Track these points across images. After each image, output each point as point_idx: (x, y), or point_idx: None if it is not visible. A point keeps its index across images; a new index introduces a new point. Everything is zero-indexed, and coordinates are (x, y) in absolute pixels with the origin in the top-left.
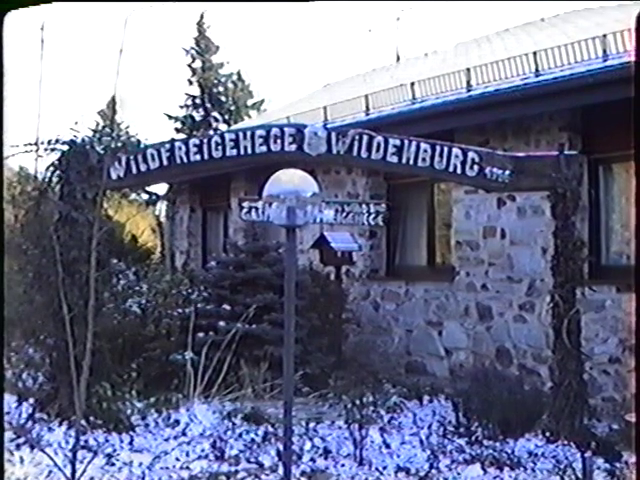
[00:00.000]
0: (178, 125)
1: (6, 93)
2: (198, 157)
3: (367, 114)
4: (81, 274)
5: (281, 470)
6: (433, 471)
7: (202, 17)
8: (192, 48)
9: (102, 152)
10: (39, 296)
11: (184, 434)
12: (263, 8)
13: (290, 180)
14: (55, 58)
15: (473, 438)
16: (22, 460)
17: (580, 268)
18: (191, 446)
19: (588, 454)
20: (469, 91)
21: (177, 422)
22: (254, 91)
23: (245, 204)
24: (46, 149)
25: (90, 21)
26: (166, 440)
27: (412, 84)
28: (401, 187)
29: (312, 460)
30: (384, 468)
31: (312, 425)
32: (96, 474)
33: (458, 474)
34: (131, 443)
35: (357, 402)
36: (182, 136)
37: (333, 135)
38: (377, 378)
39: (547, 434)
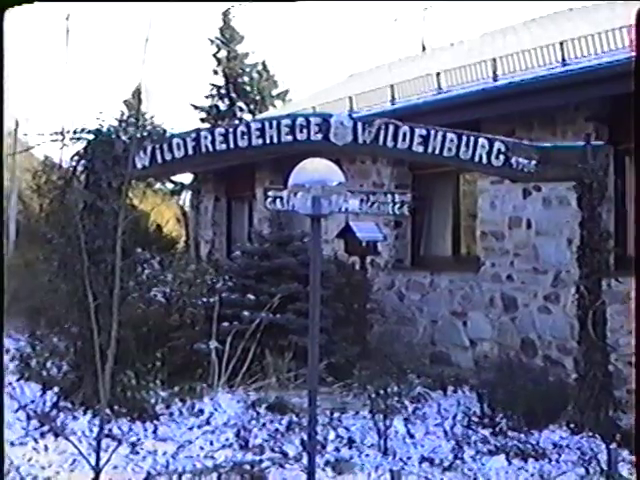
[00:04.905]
0: (203, 115)
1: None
2: (224, 146)
3: (393, 104)
4: (106, 263)
5: (305, 460)
6: (457, 462)
7: (228, 8)
8: (217, 38)
9: (127, 141)
10: (64, 285)
11: (208, 423)
12: None
13: (316, 169)
14: (82, 48)
15: (497, 429)
16: (46, 448)
17: (606, 259)
18: (215, 435)
19: (613, 446)
20: (495, 81)
21: (201, 411)
22: (279, 81)
23: (270, 193)
24: (72, 138)
25: (117, 12)
26: (190, 429)
27: (438, 74)
28: (426, 177)
29: (336, 450)
30: (408, 458)
31: (336, 415)
32: (120, 463)
33: (482, 465)
34: (155, 432)
35: (381, 392)
36: (207, 126)
37: (359, 125)
38: (401, 368)
39: (572, 425)
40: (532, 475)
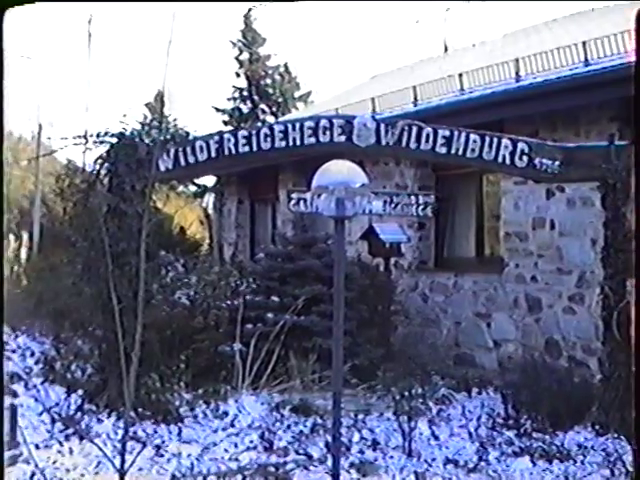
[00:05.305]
0: (226, 118)
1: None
2: (247, 148)
3: (415, 105)
4: (130, 266)
5: (330, 462)
6: (482, 463)
7: (249, 10)
8: (239, 40)
9: (151, 144)
10: (88, 288)
11: (232, 425)
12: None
13: (339, 171)
14: (103, 52)
15: (522, 430)
16: (71, 451)
17: (630, 259)
18: (240, 437)
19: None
20: (518, 82)
21: (225, 413)
22: (301, 83)
23: (294, 195)
24: (95, 142)
25: (140, 15)
26: (214, 431)
27: (460, 75)
28: (449, 178)
29: (361, 452)
30: (433, 460)
31: (361, 417)
32: (145, 465)
33: (507, 466)
34: (180, 434)
35: (406, 394)
36: (230, 129)
37: (382, 126)
38: (425, 370)
39: (597, 427)
40: (557, 476)
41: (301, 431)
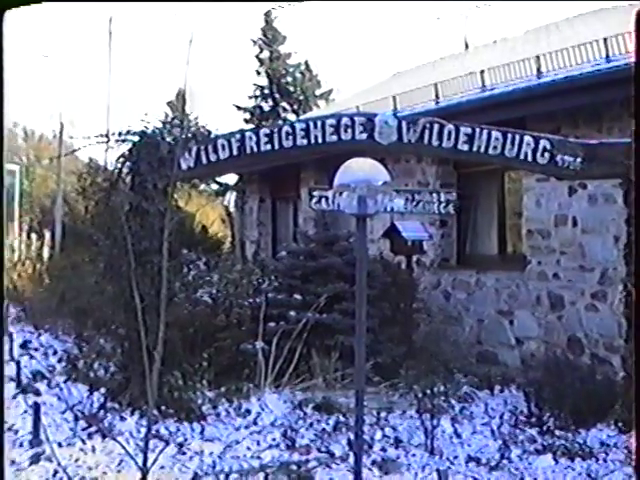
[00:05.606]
0: (247, 116)
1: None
2: (269, 147)
3: (437, 102)
4: (152, 264)
5: (352, 459)
6: (504, 461)
7: (270, 9)
8: (260, 39)
9: (172, 143)
10: (110, 286)
11: (255, 423)
12: None
13: (361, 169)
14: (125, 51)
15: (545, 428)
16: (94, 449)
17: None
18: (262, 435)
19: None
20: (539, 78)
21: (248, 411)
22: (322, 81)
23: (315, 193)
24: (117, 140)
25: (161, 14)
26: (237, 429)
27: (482, 72)
28: (471, 176)
29: (383, 449)
30: (455, 458)
31: (383, 415)
32: (167, 463)
33: (529, 464)
34: (202, 432)
35: (428, 392)
36: (251, 127)
37: (404, 124)
38: (448, 368)
39: (619, 424)
40: (579, 474)
41: (323, 429)
